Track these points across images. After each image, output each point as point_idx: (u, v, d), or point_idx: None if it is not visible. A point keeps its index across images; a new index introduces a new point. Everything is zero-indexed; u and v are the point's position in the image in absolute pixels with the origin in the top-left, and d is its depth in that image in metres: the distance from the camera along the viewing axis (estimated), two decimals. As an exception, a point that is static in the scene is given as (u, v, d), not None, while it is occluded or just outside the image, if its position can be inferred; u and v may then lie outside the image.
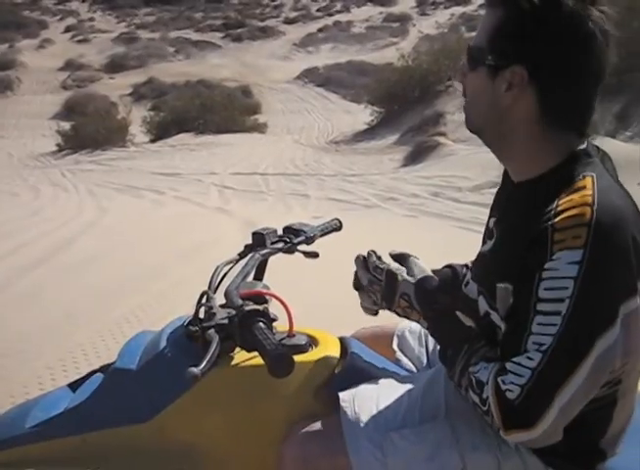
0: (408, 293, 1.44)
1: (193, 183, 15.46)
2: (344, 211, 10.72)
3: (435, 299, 1.42)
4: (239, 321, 1.32)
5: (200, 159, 19.39)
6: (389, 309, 1.52)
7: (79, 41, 53.02)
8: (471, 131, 1.45)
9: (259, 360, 1.35)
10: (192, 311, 4.64)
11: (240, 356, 1.50)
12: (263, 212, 10.73)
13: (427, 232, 8.49)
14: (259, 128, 26.11)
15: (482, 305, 1.39)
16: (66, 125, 26.20)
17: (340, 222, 1.98)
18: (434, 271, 1.60)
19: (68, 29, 58.93)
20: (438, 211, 9.92)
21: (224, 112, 25.59)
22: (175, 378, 1.45)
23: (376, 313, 1.62)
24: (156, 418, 1.49)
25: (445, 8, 55.76)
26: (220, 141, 22.28)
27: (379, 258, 1.57)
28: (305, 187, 13.73)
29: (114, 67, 44.19)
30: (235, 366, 1.49)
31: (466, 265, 1.72)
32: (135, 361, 1.59)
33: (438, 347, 1.43)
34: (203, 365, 1.22)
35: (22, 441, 1.62)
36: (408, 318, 1.51)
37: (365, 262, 1.57)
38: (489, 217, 1.50)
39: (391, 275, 1.48)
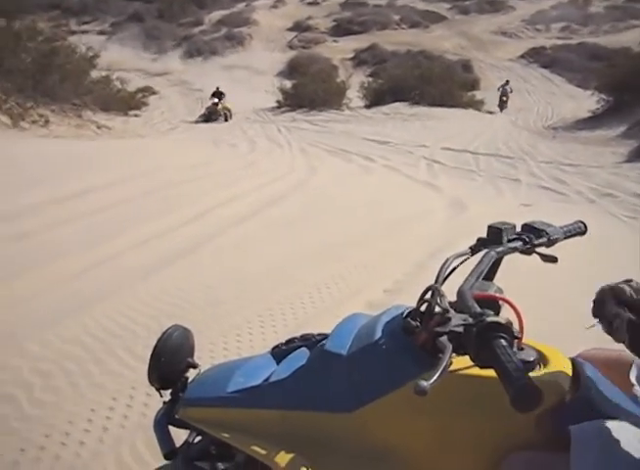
0: None
1: (403, 154, 15.46)
2: (556, 202, 10.21)
3: None
4: (477, 333, 1.16)
5: (412, 130, 19.34)
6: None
7: (309, 3, 54.48)
8: None
9: (484, 372, 1.23)
10: (390, 288, 4.56)
11: (460, 362, 1.34)
12: (472, 192, 10.46)
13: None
14: (475, 105, 25.55)
15: None
16: (287, 84, 27.23)
17: (585, 226, 1.77)
18: None
19: (300, -9, 60.90)
20: (662, 215, 9.09)
21: (442, 84, 25.27)
22: (387, 373, 1.39)
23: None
24: (359, 410, 1.41)
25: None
26: (434, 114, 22.05)
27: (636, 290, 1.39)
28: (517, 171, 13.21)
29: (339, 31, 45.11)
30: (455, 373, 1.33)
31: None
32: (346, 346, 1.51)
33: None
34: (434, 379, 1.10)
35: (221, 403, 1.67)
36: None
37: (614, 292, 1.40)
38: None
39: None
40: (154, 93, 28.36)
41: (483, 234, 1.63)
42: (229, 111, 24.21)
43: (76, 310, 4.25)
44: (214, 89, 25.69)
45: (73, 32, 40.98)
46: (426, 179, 11.83)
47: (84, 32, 43.25)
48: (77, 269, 5.11)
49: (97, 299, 4.49)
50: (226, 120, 23.58)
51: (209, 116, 23.82)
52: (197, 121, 23.46)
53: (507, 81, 27.48)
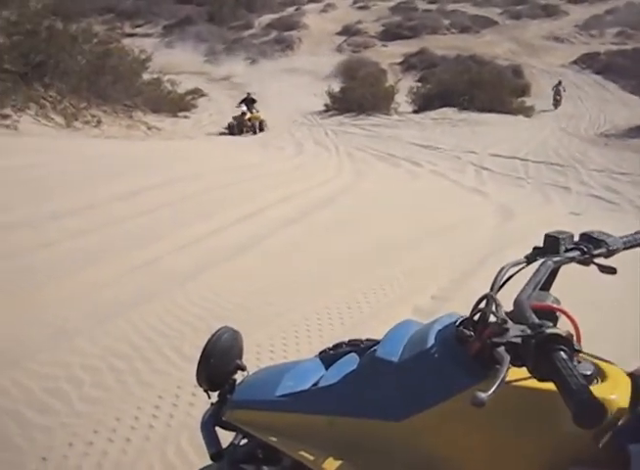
0: None
1: (450, 159, 15.35)
2: (607, 211, 10.04)
3: None
4: (536, 345, 1.12)
5: (460, 135, 19.16)
6: None
7: (359, 8, 54.38)
8: None
9: (539, 384, 1.18)
10: (437, 295, 4.50)
11: (514, 373, 1.26)
12: (520, 200, 10.33)
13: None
14: (525, 111, 25.15)
15: None
16: (336, 87, 27.18)
17: None
18: None
19: (350, -5, 60.81)
20: None
21: (492, 90, 24.93)
22: (439, 382, 1.36)
23: None
24: (410, 419, 1.38)
25: None
26: (483, 120, 21.82)
27: None
28: (567, 179, 13.00)
29: (388, 35, 44.92)
30: (510, 384, 1.27)
31: None
32: (397, 353, 1.48)
33: None
34: (492, 391, 1.07)
35: (269, 406, 1.67)
36: None
37: None
38: None
39: None
40: (203, 95, 28.60)
41: (531, 242, 1.59)
42: (260, 122, 20.92)
43: (125, 310, 4.33)
44: (245, 95, 22.92)
45: (128, 35, 41.71)
46: (473, 185, 11.72)
47: (145, 35, 44.09)
48: (124, 269, 5.20)
49: (146, 298, 4.55)
50: (255, 134, 20.20)
51: (236, 127, 20.55)
52: (221, 133, 20.87)
53: (560, 81, 29.74)
